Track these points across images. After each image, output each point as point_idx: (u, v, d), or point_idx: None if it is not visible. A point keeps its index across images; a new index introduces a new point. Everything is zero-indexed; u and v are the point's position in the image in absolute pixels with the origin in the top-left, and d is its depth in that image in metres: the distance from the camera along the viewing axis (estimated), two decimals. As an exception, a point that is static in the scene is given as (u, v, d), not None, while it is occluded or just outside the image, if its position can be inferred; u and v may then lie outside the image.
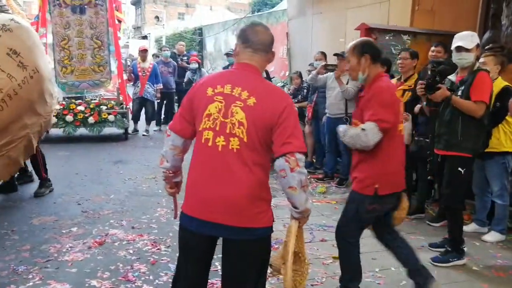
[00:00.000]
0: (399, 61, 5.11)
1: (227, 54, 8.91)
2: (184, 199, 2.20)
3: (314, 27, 8.98)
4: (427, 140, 4.56)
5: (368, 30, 6.09)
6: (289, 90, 8.71)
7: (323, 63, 6.28)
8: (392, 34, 6.18)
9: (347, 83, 5.78)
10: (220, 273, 2.33)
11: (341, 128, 2.89)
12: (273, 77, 10.57)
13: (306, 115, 7.03)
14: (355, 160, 2.94)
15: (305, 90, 7.40)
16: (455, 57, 3.75)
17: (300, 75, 7.62)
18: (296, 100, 7.44)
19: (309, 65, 7.32)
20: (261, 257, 2.21)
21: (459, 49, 3.69)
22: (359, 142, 2.73)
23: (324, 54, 6.70)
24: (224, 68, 9.21)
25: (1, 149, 4.34)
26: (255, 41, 2.19)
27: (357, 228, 2.97)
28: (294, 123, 2.08)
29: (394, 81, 5.28)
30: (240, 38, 2.23)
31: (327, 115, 6.23)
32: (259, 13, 15.85)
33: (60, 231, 4.23)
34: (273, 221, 2.21)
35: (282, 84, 10.26)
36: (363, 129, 2.71)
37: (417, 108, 4.72)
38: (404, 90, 5.01)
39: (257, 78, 2.17)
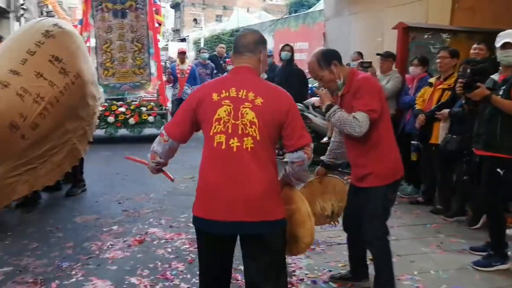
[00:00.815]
0: (438, 60, 5.00)
1: (265, 55, 8.96)
2: (198, 203, 2.28)
3: (351, 27, 8.89)
4: (463, 140, 4.43)
5: (405, 29, 5.98)
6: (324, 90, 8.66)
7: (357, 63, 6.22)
8: (431, 32, 6.05)
9: (387, 83, 5.69)
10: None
11: (329, 104, 2.88)
12: (310, 77, 10.52)
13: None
14: (359, 157, 2.94)
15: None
16: (501, 55, 3.62)
17: None
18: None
19: (346, 65, 7.26)
20: (281, 248, 2.32)
21: (506, 46, 3.56)
22: (349, 128, 2.71)
23: (360, 54, 6.62)
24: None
25: (43, 155, 4.41)
26: (240, 45, 2.36)
27: (385, 224, 2.96)
28: (300, 118, 2.33)
29: (433, 80, 5.17)
30: (232, 49, 2.41)
31: None
32: (296, 14, 15.80)
33: (102, 229, 4.36)
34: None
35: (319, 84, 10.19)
36: (355, 118, 2.70)
37: (443, 113, 4.66)
38: (444, 89, 4.90)
39: (256, 79, 2.33)
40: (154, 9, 9.35)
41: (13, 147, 4.09)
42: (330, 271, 3.51)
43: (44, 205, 5.10)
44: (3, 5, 15.46)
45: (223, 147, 2.18)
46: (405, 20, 6.13)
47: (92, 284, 3.27)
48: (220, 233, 2.23)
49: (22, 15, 17.96)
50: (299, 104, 7.47)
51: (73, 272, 3.45)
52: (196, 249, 3.83)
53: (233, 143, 2.18)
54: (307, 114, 7.35)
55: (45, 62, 4.33)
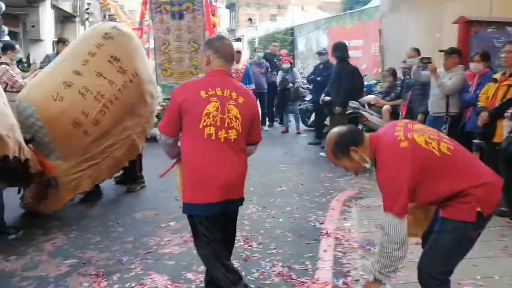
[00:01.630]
0: (503, 55, 4.75)
1: (319, 53, 8.86)
2: (193, 190, 2.63)
3: (408, 23, 8.63)
4: None
5: (467, 23, 5.73)
6: (381, 88, 8.46)
7: (417, 59, 6.02)
8: (495, 26, 5.76)
9: (449, 80, 5.47)
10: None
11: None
12: (365, 75, 10.31)
13: (400, 113, 6.78)
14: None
15: (398, 88, 7.15)
16: None
17: (393, 73, 7.36)
18: (389, 98, 7.22)
19: (402, 62, 7.06)
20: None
21: None
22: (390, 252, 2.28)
23: (417, 51, 6.40)
24: (315, 67, 9.14)
25: (104, 150, 4.69)
26: (228, 53, 2.71)
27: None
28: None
29: (498, 75, 4.91)
30: (211, 49, 2.69)
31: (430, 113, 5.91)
32: (351, 11, 15.53)
33: (159, 225, 4.49)
34: None
35: (375, 81, 9.95)
36: (384, 233, 2.30)
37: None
38: (509, 86, 4.65)
39: (233, 81, 2.76)
40: (210, 9, 9.50)
41: (77, 143, 4.45)
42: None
43: (105, 200, 5.32)
44: (69, 10, 16.26)
45: (213, 138, 2.56)
46: (466, 14, 5.87)
47: (151, 278, 3.37)
48: (217, 212, 2.65)
49: (87, 19, 18.83)
50: (354, 102, 7.35)
51: (133, 266, 3.58)
52: (250, 247, 3.91)
53: (221, 134, 2.57)
54: (362, 112, 7.21)
55: (104, 62, 4.61)
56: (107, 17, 23.09)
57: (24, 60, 10.35)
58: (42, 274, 3.46)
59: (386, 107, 6.95)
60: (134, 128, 4.97)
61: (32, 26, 13.34)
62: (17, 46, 7.12)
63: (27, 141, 4.15)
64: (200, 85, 2.67)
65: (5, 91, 5.85)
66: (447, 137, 2.51)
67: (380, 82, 9.73)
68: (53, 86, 4.40)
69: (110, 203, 5.23)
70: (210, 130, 2.55)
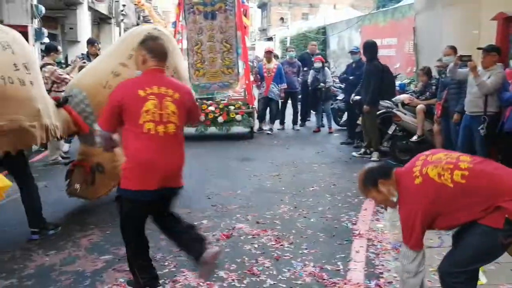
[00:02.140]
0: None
1: (352, 52, 8.78)
2: (134, 179, 2.84)
3: (443, 20, 8.42)
4: None
5: (506, 20, 5.56)
6: (415, 87, 8.30)
7: (452, 57, 5.87)
8: (537, 22, 5.56)
9: (487, 78, 5.32)
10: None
11: None
12: (399, 74, 10.14)
13: (435, 113, 6.63)
14: None
15: (433, 87, 6.99)
16: None
17: (427, 72, 7.21)
18: (423, 97, 7.07)
19: (437, 60, 6.91)
20: None
21: None
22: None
23: (453, 49, 6.24)
24: (348, 65, 9.05)
25: None
26: (160, 52, 2.98)
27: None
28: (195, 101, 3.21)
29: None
30: (145, 49, 2.95)
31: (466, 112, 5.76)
32: (384, 8, 15.29)
33: (192, 223, 4.54)
34: None
35: (409, 80, 9.77)
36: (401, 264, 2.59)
37: None
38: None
39: (168, 78, 3.05)
40: (242, 9, 9.55)
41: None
42: (420, 275, 3.38)
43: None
44: (105, 12, 16.65)
45: (152, 132, 2.82)
46: (505, 9, 5.69)
47: (183, 275, 3.43)
48: (155, 199, 2.92)
49: (122, 20, 19.24)
50: (387, 101, 7.25)
51: (166, 263, 3.65)
52: (281, 247, 3.92)
53: (159, 129, 2.84)
54: (396, 111, 7.10)
55: None
56: (141, 18, 23.53)
57: (63, 61, 10.68)
58: (79, 269, 3.57)
59: (421, 107, 6.81)
60: None
61: (70, 28, 13.75)
62: (59, 48, 7.36)
63: (63, 102, 4.38)
64: (138, 84, 2.91)
65: (50, 91, 6.08)
66: (467, 159, 2.45)
67: (414, 81, 9.55)
68: (103, 75, 4.70)
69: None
70: (149, 125, 2.82)
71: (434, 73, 7.31)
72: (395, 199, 2.56)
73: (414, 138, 6.76)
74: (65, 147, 7.46)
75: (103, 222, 4.55)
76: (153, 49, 2.96)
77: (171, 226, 3.17)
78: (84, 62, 7.30)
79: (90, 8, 14.76)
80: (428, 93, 7.05)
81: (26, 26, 9.65)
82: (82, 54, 8.38)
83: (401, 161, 7.04)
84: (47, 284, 3.32)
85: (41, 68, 6.80)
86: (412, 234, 2.42)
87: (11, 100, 3.71)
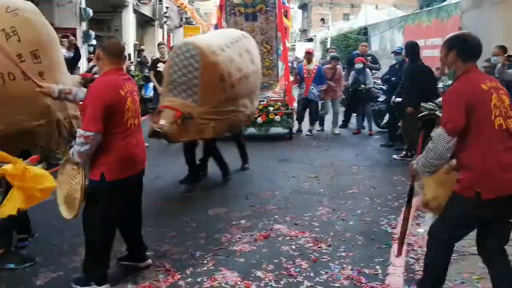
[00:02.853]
0: None
1: (395, 52, 8.61)
2: (119, 168, 3.15)
3: (491, 19, 8.15)
4: None
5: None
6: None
7: (501, 58, 5.67)
8: None
9: None
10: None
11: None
12: (441, 75, 9.86)
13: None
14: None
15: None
16: None
17: None
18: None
19: (485, 61, 6.69)
20: None
21: None
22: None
23: (503, 48, 6.03)
24: (391, 67, 8.87)
25: (228, 112, 5.50)
26: (118, 51, 3.27)
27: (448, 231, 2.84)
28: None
29: None
30: (104, 49, 3.20)
31: None
32: (428, 8, 14.91)
33: (231, 223, 4.61)
34: None
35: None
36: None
37: None
38: None
39: (126, 76, 3.36)
40: (283, 10, 9.56)
41: (214, 95, 5.34)
42: (463, 283, 3.30)
43: (180, 197, 5.55)
44: (149, 14, 17.06)
45: (132, 126, 3.20)
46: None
47: (222, 274, 3.48)
48: (135, 181, 3.39)
49: (165, 22, 19.66)
50: (430, 103, 7.07)
51: (205, 261, 3.72)
52: (319, 249, 3.91)
53: (135, 122, 3.25)
54: (439, 114, 6.91)
55: (243, 50, 5.96)
56: (183, 20, 23.94)
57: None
58: (121, 264, 3.68)
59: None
60: (246, 108, 5.92)
61: (116, 30, 14.18)
62: None
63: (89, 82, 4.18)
64: (116, 84, 3.15)
65: None
66: None
67: (458, 82, 9.28)
68: (215, 44, 5.46)
69: (185, 200, 5.45)
70: (130, 121, 3.19)
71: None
72: (446, 71, 2.96)
73: None
74: None
75: (145, 219, 4.64)
76: (110, 48, 3.25)
77: (133, 225, 3.61)
78: (132, 62, 7.54)
79: (135, 11, 15.17)
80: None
81: (75, 29, 10.04)
82: (129, 54, 8.63)
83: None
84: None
85: (90, 70, 7.08)
86: (452, 118, 2.61)
87: (12, 100, 3.38)
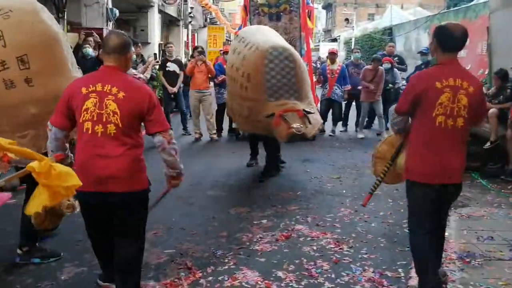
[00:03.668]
0: None
1: (421, 53, 8.49)
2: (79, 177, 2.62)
3: (522, 19, 7.93)
4: None
5: None
6: (488, 90, 7.90)
7: None
8: None
9: None
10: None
11: None
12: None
13: (510, 117, 6.27)
14: None
15: (508, 90, 6.61)
16: None
17: (503, 76, 6.79)
18: (497, 101, 6.70)
19: None
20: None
21: None
22: None
23: None
24: (416, 67, 8.76)
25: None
26: (108, 46, 2.78)
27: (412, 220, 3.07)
28: (159, 107, 2.83)
29: None
30: (102, 46, 2.86)
31: None
32: (456, 8, 14.63)
33: (252, 222, 4.62)
34: (150, 184, 2.92)
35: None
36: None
37: None
38: None
39: (120, 76, 2.77)
40: (307, 11, 9.53)
41: (307, 87, 5.80)
42: (487, 288, 3.23)
43: (204, 196, 5.58)
44: (174, 14, 17.23)
45: (90, 132, 2.68)
46: None
47: (243, 273, 3.49)
48: (94, 202, 2.75)
49: (190, 22, 19.82)
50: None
51: (226, 260, 3.73)
52: (341, 250, 3.89)
53: (98, 129, 2.68)
54: None
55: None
56: (208, 20, 24.08)
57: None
58: (144, 261, 3.72)
59: (493, 111, 6.45)
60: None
61: (142, 30, 14.37)
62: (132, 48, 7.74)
63: None
64: (84, 81, 2.81)
65: None
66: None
67: (486, 83, 9.08)
68: (285, 44, 5.81)
69: (207, 199, 5.48)
70: (87, 125, 2.69)
71: (511, 75, 6.91)
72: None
73: (487, 144, 6.42)
74: None
75: (168, 217, 4.72)
76: (105, 44, 2.84)
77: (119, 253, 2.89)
78: (158, 62, 7.63)
79: (160, 11, 15.34)
80: (502, 96, 6.67)
81: (101, 29, 10.21)
82: (155, 54, 8.73)
83: (469, 167, 6.73)
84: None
85: None
86: (400, 99, 3.06)
87: None
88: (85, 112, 2.69)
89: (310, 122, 5.33)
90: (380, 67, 9.38)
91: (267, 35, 6.11)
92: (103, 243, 3.00)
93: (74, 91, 2.75)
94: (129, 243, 2.89)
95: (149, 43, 14.23)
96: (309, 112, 5.39)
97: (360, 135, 9.58)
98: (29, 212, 2.47)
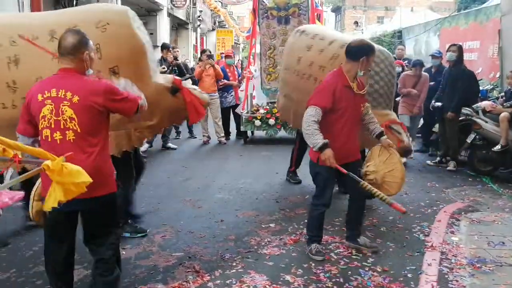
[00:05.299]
0: None
1: (433, 56, 8.41)
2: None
3: (535, 22, 7.87)
4: None
5: None
6: (499, 93, 7.82)
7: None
8: None
9: None
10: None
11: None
12: (481, 79, 9.61)
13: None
14: None
15: (521, 94, 6.54)
16: None
17: None
18: (509, 105, 6.63)
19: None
20: None
21: None
22: None
23: None
24: (425, 70, 8.66)
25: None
26: (61, 47, 2.65)
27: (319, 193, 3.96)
28: (119, 95, 2.69)
29: None
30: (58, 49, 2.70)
31: None
32: (466, 10, 14.53)
33: (260, 226, 4.61)
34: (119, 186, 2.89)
35: (492, 86, 9.21)
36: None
37: None
38: None
39: (75, 79, 2.63)
40: (316, 14, 9.52)
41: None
42: (498, 294, 3.19)
43: (213, 199, 5.58)
44: (183, 17, 17.29)
45: (49, 140, 2.60)
46: None
47: (251, 277, 3.48)
48: (60, 210, 2.44)
49: (198, 25, 19.89)
50: (466, 108, 6.89)
51: (234, 264, 3.72)
52: (349, 254, 3.86)
53: (56, 136, 2.59)
54: (475, 119, 6.73)
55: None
56: (216, 23, 24.16)
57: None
58: (152, 264, 3.74)
59: (504, 114, 6.36)
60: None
61: (150, 34, 14.35)
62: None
63: (174, 91, 3.97)
64: (40, 87, 2.66)
65: None
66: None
67: (497, 87, 9.00)
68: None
69: (215, 202, 5.47)
70: (46, 132, 2.61)
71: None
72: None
73: (497, 147, 6.36)
74: (145, 146, 7.49)
75: (177, 220, 4.73)
76: (59, 45, 2.68)
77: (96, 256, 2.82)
78: (164, 68, 7.62)
79: (169, 14, 15.41)
80: (515, 98, 6.59)
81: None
82: (161, 58, 8.75)
83: (480, 171, 6.67)
84: (123, 277, 3.47)
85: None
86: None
87: None
88: (42, 120, 2.61)
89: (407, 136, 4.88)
90: (424, 73, 7.66)
91: (347, 37, 5.55)
92: (61, 252, 2.85)
93: (32, 97, 2.66)
94: (99, 245, 2.81)
95: (158, 46, 14.28)
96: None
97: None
98: (48, 208, 2.48)
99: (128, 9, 3.73)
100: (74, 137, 2.60)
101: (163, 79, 4.01)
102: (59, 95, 2.59)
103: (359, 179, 3.68)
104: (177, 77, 4.15)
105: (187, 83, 4.29)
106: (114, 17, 3.61)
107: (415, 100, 7.45)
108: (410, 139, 6.39)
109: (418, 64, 7.59)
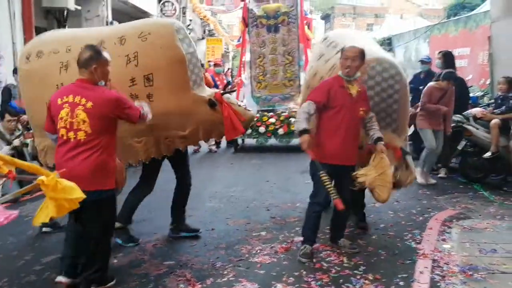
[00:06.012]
0: None
1: (422, 61, 8.46)
2: None
3: (524, 28, 7.94)
4: None
5: None
6: (489, 100, 7.87)
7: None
8: None
9: None
10: None
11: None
12: (471, 86, 9.68)
13: (512, 128, 6.22)
14: None
15: (511, 101, 6.55)
16: None
17: (510, 81, 6.72)
18: (499, 111, 6.64)
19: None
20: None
21: None
22: None
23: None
24: (415, 75, 8.66)
25: None
26: (78, 60, 3.18)
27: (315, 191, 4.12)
28: (128, 105, 3.23)
29: None
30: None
31: None
32: (456, 17, 14.67)
33: (251, 234, 4.57)
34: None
35: (482, 93, 9.27)
36: None
37: None
38: None
39: (89, 88, 3.14)
40: (305, 22, 9.56)
41: (407, 119, 4.52)
42: (491, 301, 3.17)
43: (204, 207, 5.53)
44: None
45: (65, 138, 3.12)
46: None
47: (242, 285, 3.44)
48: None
49: (188, 34, 19.88)
50: (457, 115, 6.91)
51: (225, 272, 3.68)
52: (341, 262, 3.83)
53: (70, 135, 3.10)
54: (466, 126, 6.75)
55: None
56: (206, 32, 24.17)
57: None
58: (143, 272, 3.69)
59: (495, 121, 6.36)
60: None
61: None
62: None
63: (212, 104, 3.97)
64: (60, 93, 3.22)
65: None
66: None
67: (488, 93, 9.07)
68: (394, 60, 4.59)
69: (206, 210, 5.43)
70: (62, 131, 3.13)
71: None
72: (358, 74, 3.92)
73: (488, 154, 6.37)
74: None
75: (167, 229, 4.67)
76: (77, 59, 3.21)
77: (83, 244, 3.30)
78: None
79: (159, 22, 15.36)
80: (504, 106, 6.60)
81: (102, 41, 10.22)
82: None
83: (471, 178, 6.68)
84: (115, 285, 3.45)
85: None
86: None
87: None
88: (60, 120, 3.13)
89: (407, 166, 4.30)
90: (452, 87, 6.55)
91: (368, 43, 4.78)
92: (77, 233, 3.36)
93: (53, 101, 3.20)
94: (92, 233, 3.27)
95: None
96: (407, 153, 4.32)
97: (432, 181, 6.72)
98: (37, 223, 2.78)
99: (174, 22, 3.99)
100: (85, 137, 3.10)
101: (206, 91, 4.06)
102: (75, 101, 3.10)
103: (320, 167, 3.75)
104: (219, 91, 4.19)
105: (232, 98, 4.32)
106: (157, 28, 3.86)
107: (438, 114, 6.54)
108: (425, 169, 6.27)
109: (451, 78, 6.49)
